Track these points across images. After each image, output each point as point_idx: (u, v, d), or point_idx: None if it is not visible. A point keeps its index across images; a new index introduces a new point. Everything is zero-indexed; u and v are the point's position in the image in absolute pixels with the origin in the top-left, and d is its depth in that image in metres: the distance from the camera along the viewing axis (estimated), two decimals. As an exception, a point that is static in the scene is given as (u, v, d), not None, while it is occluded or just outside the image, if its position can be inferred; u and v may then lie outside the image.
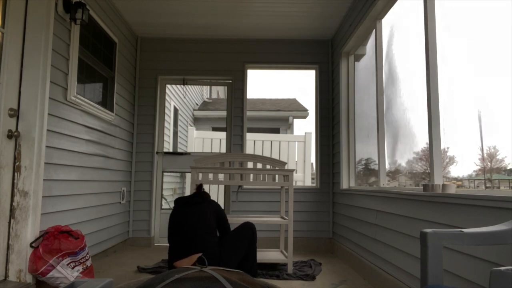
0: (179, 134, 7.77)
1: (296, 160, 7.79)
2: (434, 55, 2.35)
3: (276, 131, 9.43)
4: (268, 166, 3.68)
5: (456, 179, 2.34)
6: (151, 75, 4.90)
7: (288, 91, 31.81)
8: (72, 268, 2.57)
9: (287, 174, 3.49)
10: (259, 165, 4.24)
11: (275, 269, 3.45)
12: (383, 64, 3.31)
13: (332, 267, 3.70)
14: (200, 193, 3.14)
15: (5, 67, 2.51)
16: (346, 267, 3.68)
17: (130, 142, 4.67)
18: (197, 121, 9.55)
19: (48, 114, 2.72)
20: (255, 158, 3.78)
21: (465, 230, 1.34)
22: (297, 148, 7.81)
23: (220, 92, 12.73)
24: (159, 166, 4.83)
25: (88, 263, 2.73)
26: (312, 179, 7.56)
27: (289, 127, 9.64)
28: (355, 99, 4.26)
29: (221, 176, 3.63)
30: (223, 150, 7.24)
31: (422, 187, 2.31)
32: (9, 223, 2.52)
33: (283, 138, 8.16)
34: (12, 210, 2.53)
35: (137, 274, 3.31)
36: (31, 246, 2.52)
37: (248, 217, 3.63)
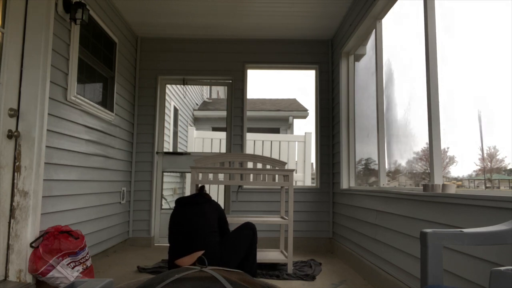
0: (179, 134, 7.77)
1: (296, 160, 7.79)
2: (434, 55, 2.35)
3: (276, 131, 9.43)
4: (268, 166, 3.68)
5: (456, 179, 2.34)
6: (151, 75, 4.90)
7: (288, 91, 31.83)
8: (72, 268, 2.57)
9: (287, 174, 3.49)
10: (259, 165, 4.24)
11: (275, 269, 3.45)
12: (383, 64, 3.31)
13: (332, 267, 3.70)
14: (201, 194, 3.14)
15: (5, 67, 2.51)
16: (346, 267, 3.68)
17: (130, 142, 4.67)
18: (197, 121, 9.56)
19: (48, 114, 2.72)
20: (255, 158, 3.78)
21: (465, 230, 1.34)
22: (297, 148, 7.81)
23: (220, 92, 12.73)
24: (159, 166, 4.83)
25: (88, 263, 2.73)
26: (312, 179, 7.56)
27: (289, 127, 9.64)
28: (355, 99, 4.25)
29: (221, 176, 3.63)
30: (223, 150, 7.25)
31: (422, 187, 2.31)
32: (9, 223, 2.52)
33: (283, 138, 8.16)
34: (12, 210, 2.53)
35: (137, 274, 3.31)
36: (31, 246, 2.52)
37: (248, 217, 3.63)
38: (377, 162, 3.32)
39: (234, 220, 3.41)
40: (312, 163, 7.72)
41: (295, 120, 9.79)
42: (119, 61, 4.22)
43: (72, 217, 3.16)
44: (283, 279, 3.19)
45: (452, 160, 2.38)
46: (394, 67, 3.20)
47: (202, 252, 2.76)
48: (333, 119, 4.75)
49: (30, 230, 2.53)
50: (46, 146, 2.71)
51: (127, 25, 4.55)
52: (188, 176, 7.19)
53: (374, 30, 3.48)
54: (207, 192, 3.32)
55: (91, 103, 3.45)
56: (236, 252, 2.96)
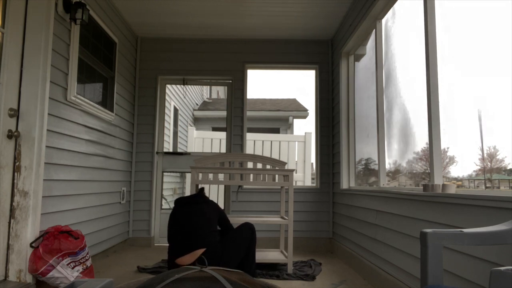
0: (179, 134, 7.77)
1: (296, 160, 7.79)
2: (434, 55, 2.35)
3: (276, 131, 9.43)
4: (268, 166, 3.68)
5: (456, 179, 2.34)
6: (151, 75, 4.90)
7: (288, 91, 31.84)
8: (72, 268, 2.57)
9: (287, 174, 3.49)
10: (259, 165, 4.24)
11: (275, 269, 3.45)
12: (383, 64, 3.31)
13: (332, 267, 3.70)
14: (200, 194, 3.14)
15: (5, 67, 2.51)
16: (346, 267, 3.68)
17: (130, 142, 4.67)
18: (197, 121, 9.55)
19: (48, 114, 2.72)
20: (255, 158, 3.78)
21: (465, 230, 1.34)
22: (297, 148, 7.81)
23: (220, 92, 12.73)
24: (159, 166, 4.83)
25: (88, 263, 2.73)
26: (312, 179, 7.56)
27: (289, 127, 9.64)
28: (355, 99, 4.25)
29: (221, 176, 3.63)
30: (223, 150, 7.24)
31: (422, 187, 2.31)
32: (9, 223, 2.52)
33: (283, 138, 8.16)
34: (12, 210, 2.53)
35: (137, 274, 3.31)
36: (31, 246, 2.52)
37: (248, 217, 3.63)
38: (377, 162, 3.32)
39: (234, 220, 3.41)
40: (312, 163, 7.72)
41: (295, 120, 9.79)
42: (119, 61, 4.22)
43: (72, 217, 3.16)
44: (283, 279, 3.19)
45: (452, 160, 2.38)
46: (394, 67, 3.20)
47: (203, 250, 2.77)
48: (333, 119, 4.75)
49: (30, 230, 2.53)
50: (46, 146, 2.71)
51: (127, 25, 4.55)
52: (188, 176, 7.19)
53: (374, 30, 3.48)
54: (206, 194, 3.32)
55: (91, 103, 3.45)
56: (236, 252, 2.97)
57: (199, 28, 4.66)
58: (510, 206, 1.54)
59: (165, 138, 5.59)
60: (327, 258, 4.14)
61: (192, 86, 8.95)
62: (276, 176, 3.50)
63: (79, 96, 3.19)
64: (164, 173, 4.97)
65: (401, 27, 3.16)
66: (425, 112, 2.37)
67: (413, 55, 2.71)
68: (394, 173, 3.33)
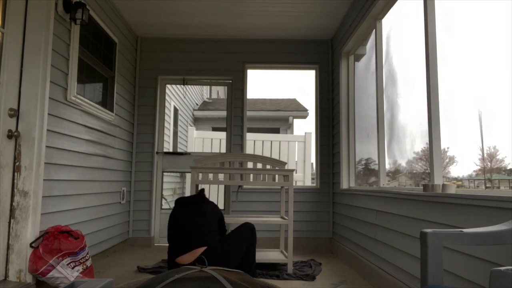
0: (179, 134, 7.77)
1: (296, 160, 7.79)
2: (434, 55, 2.35)
3: (276, 131, 9.43)
4: (268, 166, 3.68)
5: (456, 179, 2.34)
6: (151, 75, 4.90)
7: (288, 91, 31.87)
8: (72, 268, 2.57)
9: (287, 174, 3.49)
10: (259, 165, 4.24)
11: (275, 269, 3.45)
12: (383, 64, 3.31)
13: (332, 267, 3.70)
14: (200, 195, 3.14)
15: (5, 67, 2.51)
16: (346, 267, 3.68)
17: (130, 142, 4.67)
18: (197, 121, 9.55)
19: (48, 114, 2.72)
20: (255, 158, 3.78)
21: (465, 230, 1.34)
22: (297, 148, 7.81)
23: (220, 92, 12.73)
24: (159, 166, 4.83)
25: (88, 263, 2.73)
26: (312, 179, 7.56)
27: (289, 127, 9.64)
28: (355, 99, 4.25)
29: (221, 176, 3.63)
30: (223, 150, 7.24)
31: (422, 187, 2.31)
32: (9, 223, 2.52)
33: (283, 138, 8.16)
34: (12, 210, 2.53)
35: (137, 274, 3.31)
36: (31, 246, 2.52)
37: (248, 217, 3.63)
38: (377, 162, 3.31)
39: (234, 220, 3.41)
40: (312, 163, 7.72)
41: (295, 120, 9.79)
42: (119, 61, 4.22)
43: (72, 217, 3.16)
44: (283, 279, 3.19)
45: (452, 160, 2.38)
46: (394, 66, 3.20)
47: (203, 249, 2.76)
48: (333, 119, 4.75)
49: (30, 230, 2.53)
50: (46, 146, 2.71)
51: (127, 25, 4.55)
52: (188, 176, 7.19)
53: (374, 30, 3.48)
54: (206, 194, 3.32)
55: (91, 103, 3.45)
56: (236, 252, 2.96)
57: (199, 28, 4.66)
58: (510, 206, 1.54)
59: (165, 138, 5.58)
60: (327, 258, 4.14)
61: (192, 86, 8.95)
62: (276, 176, 3.50)
63: (79, 96, 3.19)
64: (164, 173, 4.97)
65: (401, 27, 3.16)
66: (425, 112, 2.37)
67: (413, 55, 2.71)
68: (394, 173, 3.33)
